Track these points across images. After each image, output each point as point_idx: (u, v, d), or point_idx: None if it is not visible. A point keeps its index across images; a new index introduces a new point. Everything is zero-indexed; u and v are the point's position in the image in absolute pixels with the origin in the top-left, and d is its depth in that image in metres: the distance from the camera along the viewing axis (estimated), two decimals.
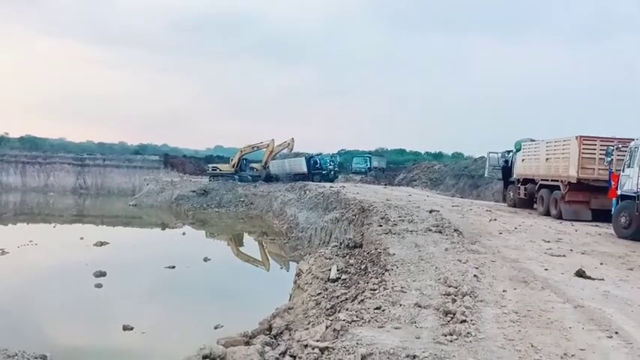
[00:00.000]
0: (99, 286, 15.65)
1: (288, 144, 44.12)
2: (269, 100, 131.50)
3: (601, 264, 9.52)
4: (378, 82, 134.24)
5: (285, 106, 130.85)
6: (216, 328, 11.96)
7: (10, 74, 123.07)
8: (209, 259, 20.19)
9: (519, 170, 22.40)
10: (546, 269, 8.70)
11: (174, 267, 18.36)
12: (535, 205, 20.78)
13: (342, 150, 73.65)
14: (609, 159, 15.58)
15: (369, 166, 57.75)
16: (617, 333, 5.43)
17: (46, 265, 18.67)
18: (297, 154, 44.38)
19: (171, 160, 58.88)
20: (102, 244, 22.48)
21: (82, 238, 23.60)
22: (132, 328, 11.76)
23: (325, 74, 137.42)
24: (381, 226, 12.88)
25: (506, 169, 24.35)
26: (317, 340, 5.55)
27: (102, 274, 16.59)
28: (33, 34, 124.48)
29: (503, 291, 6.97)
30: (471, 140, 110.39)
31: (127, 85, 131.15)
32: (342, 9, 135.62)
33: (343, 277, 10.08)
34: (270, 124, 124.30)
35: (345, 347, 5.00)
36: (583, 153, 17.31)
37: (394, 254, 9.19)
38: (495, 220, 16.22)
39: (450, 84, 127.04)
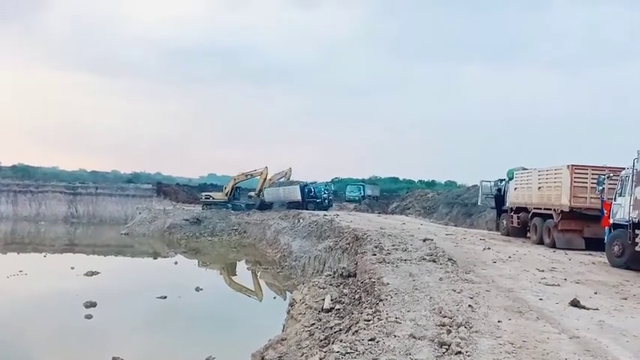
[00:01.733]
0: (89, 316, 15.41)
1: (286, 173, 44.21)
2: (263, 128, 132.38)
3: (595, 293, 9.50)
4: (371, 110, 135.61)
5: (279, 134, 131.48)
6: None
7: (2, 103, 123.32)
8: (201, 289, 19.97)
9: (512, 199, 22.49)
10: (541, 299, 8.66)
11: (165, 297, 18.14)
12: (528, 234, 20.81)
13: (336, 178, 73.88)
14: (601, 188, 15.70)
15: (362, 194, 57.84)
16: None
17: (35, 295, 18.39)
18: (292, 182, 44.51)
19: (164, 188, 58.67)
20: (93, 273, 22.22)
21: (72, 268, 23.34)
22: None
23: (319, 102, 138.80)
24: (374, 254, 12.83)
25: (499, 197, 24.44)
26: None
27: (92, 304, 16.36)
28: (26, 63, 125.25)
29: (498, 321, 6.92)
30: (464, 168, 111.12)
31: (120, 113, 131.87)
32: (336, 38, 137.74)
33: (337, 307, 9.98)
34: (263, 152, 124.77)
35: None
36: (575, 182, 17.44)
37: (388, 284, 9.13)
38: (489, 248, 16.21)
39: (442, 112, 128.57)
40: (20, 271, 22.01)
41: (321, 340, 8.19)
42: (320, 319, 9.54)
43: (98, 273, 22.42)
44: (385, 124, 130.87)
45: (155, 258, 32.80)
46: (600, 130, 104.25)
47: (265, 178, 43.33)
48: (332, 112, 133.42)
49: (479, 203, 28.58)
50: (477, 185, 31.09)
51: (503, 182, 24.35)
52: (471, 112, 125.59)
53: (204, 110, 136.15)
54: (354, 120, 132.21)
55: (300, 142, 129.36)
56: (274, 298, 20.26)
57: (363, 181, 66.59)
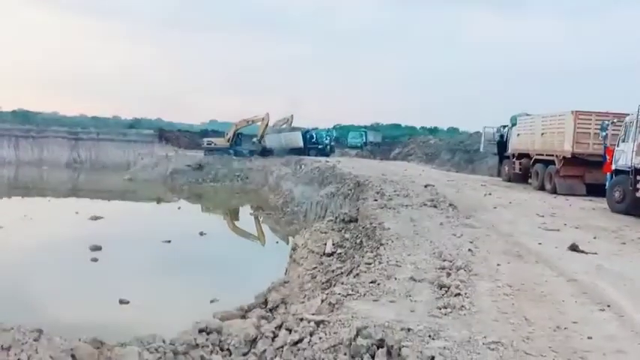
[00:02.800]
0: (94, 260, 15.67)
1: (287, 119, 43.89)
2: (264, 75, 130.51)
3: (594, 238, 9.59)
4: (374, 56, 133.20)
5: (281, 81, 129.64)
6: (212, 302, 12.02)
7: (1, 47, 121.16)
8: (205, 234, 20.20)
9: (514, 145, 22.39)
10: (540, 243, 8.75)
11: (169, 241, 18.37)
12: (530, 180, 20.84)
13: (338, 125, 73.43)
14: (604, 133, 15.59)
15: (364, 140, 57.64)
16: (609, 306, 5.49)
17: (41, 240, 18.62)
18: (293, 129, 44.25)
19: (166, 134, 58.40)
20: (97, 218, 22.43)
21: (77, 213, 23.55)
22: (128, 302, 11.83)
23: (321, 48, 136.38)
24: (376, 200, 12.90)
25: (502, 143, 24.34)
26: (312, 314, 5.59)
27: (97, 248, 16.60)
28: (21, 5, 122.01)
29: (498, 265, 7.02)
30: (467, 115, 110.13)
31: (121, 59, 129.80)
32: None
33: (339, 251, 10.12)
34: (265, 99, 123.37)
35: (340, 320, 5.04)
36: (578, 128, 17.30)
37: (389, 228, 9.22)
38: (490, 194, 16.27)
39: (445, 58, 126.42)
40: (25, 216, 22.22)
41: (323, 283, 8.35)
42: (322, 263, 9.70)
43: (102, 218, 22.62)
44: (388, 71, 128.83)
45: (158, 203, 33.00)
46: (606, 77, 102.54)
47: (267, 125, 43.05)
48: (334, 59, 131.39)
49: (481, 149, 28.51)
50: (479, 132, 30.92)
51: (506, 128, 24.18)
52: (475, 59, 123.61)
53: (205, 56, 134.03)
54: (356, 67, 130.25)
55: (301, 89, 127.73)
56: (277, 242, 20.52)
57: (365, 127, 66.17)
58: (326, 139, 45.11)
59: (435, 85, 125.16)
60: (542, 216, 12.15)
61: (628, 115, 14.36)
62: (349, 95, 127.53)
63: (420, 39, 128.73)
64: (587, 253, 8.16)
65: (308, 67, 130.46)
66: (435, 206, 12.08)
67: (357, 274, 6.72)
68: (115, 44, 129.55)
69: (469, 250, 7.76)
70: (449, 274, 6.33)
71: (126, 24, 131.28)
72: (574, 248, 8.27)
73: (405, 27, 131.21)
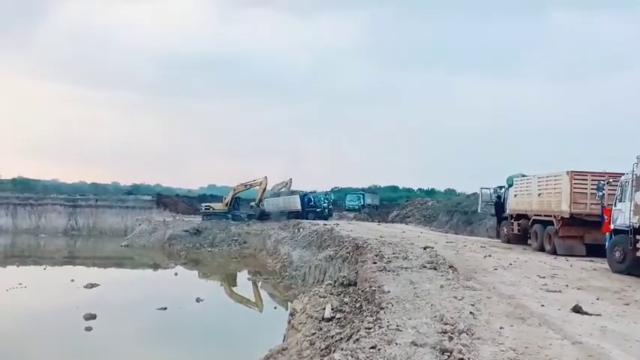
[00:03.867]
0: (89, 329, 15.33)
1: (286, 183, 44.19)
2: (262, 139, 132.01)
3: (597, 299, 9.45)
4: (369, 119, 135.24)
5: (279, 144, 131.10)
6: None
7: (1, 116, 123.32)
8: (202, 300, 19.90)
9: (512, 206, 22.45)
10: (543, 305, 8.61)
11: (165, 308, 18.06)
12: (529, 241, 20.75)
13: (336, 187, 73.74)
14: (601, 193, 15.67)
15: (362, 203, 57.70)
16: None
17: (35, 308, 18.30)
18: (292, 192, 44.47)
19: (164, 199, 58.56)
20: (93, 285, 22.14)
21: (72, 280, 23.25)
22: None
23: (317, 113, 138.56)
24: (375, 263, 12.78)
25: (499, 204, 24.41)
26: None
27: (92, 316, 16.28)
28: (23, 77, 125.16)
29: (500, 328, 6.88)
30: (463, 176, 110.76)
31: (120, 125, 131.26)
32: (331, 48, 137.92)
33: (338, 315, 9.92)
34: (262, 162, 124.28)
35: None
36: (575, 188, 17.42)
37: (389, 292, 9.08)
38: (490, 256, 16.16)
39: (440, 121, 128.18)
40: (20, 284, 21.91)
41: (322, 350, 8.14)
42: (321, 329, 9.48)
43: (98, 285, 22.32)
44: (383, 134, 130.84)
45: (155, 269, 32.69)
46: (599, 138, 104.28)
47: (265, 188, 43.27)
48: (330, 123, 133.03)
49: (479, 211, 28.54)
50: (476, 193, 31.09)
51: (503, 189, 24.32)
52: (468, 119, 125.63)
53: (203, 122, 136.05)
54: (352, 130, 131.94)
55: (300, 152, 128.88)
56: (275, 308, 20.17)
57: (362, 190, 66.47)
58: (324, 202, 45.19)
59: (431, 146, 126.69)
60: (544, 277, 12.02)
61: (623, 174, 14.51)
62: (347, 158, 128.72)
63: (414, 102, 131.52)
64: (590, 314, 8.01)
65: (306, 130, 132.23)
66: (435, 268, 11.96)
67: (357, 340, 6.56)
68: (113, 112, 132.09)
69: (471, 312, 7.62)
70: (451, 338, 6.18)
71: (123, 92, 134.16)
72: (577, 310, 8.14)
73: (398, 91, 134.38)
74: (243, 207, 45.52)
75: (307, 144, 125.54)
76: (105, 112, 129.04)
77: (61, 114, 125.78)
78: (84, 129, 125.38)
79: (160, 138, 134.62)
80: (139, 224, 45.69)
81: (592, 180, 17.11)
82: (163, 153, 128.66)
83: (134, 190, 68.07)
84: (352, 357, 5.71)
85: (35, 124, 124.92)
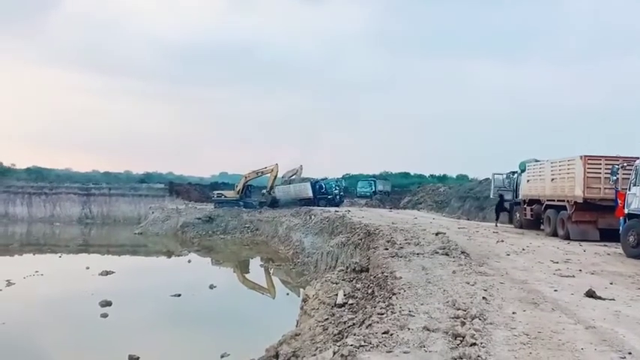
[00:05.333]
0: (104, 315, 15.57)
1: (297, 171, 44.26)
2: (273, 126, 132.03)
3: (611, 284, 9.40)
4: (380, 105, 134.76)
5: (290, 132, 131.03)
6: (222, 356, 11.85)
7: (14, 106, 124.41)
8: (215, 287, 20.08)
9: (525, 191, 22.31)
10: (556, 290, 8.58)
11: (179, 295, 18.26)
12: (542, 226, 20.64)
13: (347, 174, 73.69)
14: (615, 178, 15.50)
15: (373, 189, 57.68)
16: (630, 353, 5.32)
17: (51, 296, 18.59)
18: (303, 179, 44.52)
19: (177, 187, 58.98)
20: (107, 273, 22.43)
21: (87, 268, 23.58)
22: (138, 358, 11.64)
23: (328, 100, 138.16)
24: (387, 249, 12.79)
25: (501, 202, 24.83)
26: None
27: (107, 303, 16.52)
28: (33, 65, 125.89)
29: (513, 313, 6.87)
30: (475, 162, 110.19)
31: (132, 114, 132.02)
32: (342, 34, 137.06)
33: (350, 301, 9.97)
34: (274, 150, 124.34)
35: None
36: (588, 172, 17.24)
37: (401, 277, 9.10)
38: (502, 241, 16.10)
39: (452, 106, 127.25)
40: (36, 272, 22.26)
41: (335, 335, 8.19)
42: (333, 314, 9.54)
43: (113, 272, 22.62)
44: (395, 120, 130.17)
45: (169, 257, 33.03)
46: (613, 121, 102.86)
47: (276, 176, 43.45)
48: (341, 110, 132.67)
49: (491, 196, 28.39)
50: (489, 178, 30.93)
51: (516, 175, 24.18)
52: (480, 105, 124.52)
53: (215, 110, 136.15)
54: (363, 116, 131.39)
55: (311, 139, 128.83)
56: (287, 294, 20.31)
57: (374, 176, 66.35)
58: (335, 189, 45.25)
59: (443, 132, 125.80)
60: (557, 262, 11.96)
61: (638, 158, 14.34)
62: (358, 144, 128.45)
63: (426, 88, 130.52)
64: (604, 299, 7.97)
65: (317, 118, 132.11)
66: (447, 254, 11.95)
67: (370, 325, 6.59)
68: (125, 100, 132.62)
69: (483, 298, 7.62)
70: (463, 323, 6.19)
71: (136, 81, 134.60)
72: (591, 294, 8.09)
73: (410, 77, 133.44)
74: (254, 194, 45.75)
75: (318, 131, 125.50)
76: (116, 101, 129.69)
77: (72, 103, 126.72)
78: (96, 118, 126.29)
79: (171, 126, 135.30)
80: (152, 212, 46.13)
81: (606, 164, 16.91)
82: (175, 141, 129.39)
83: (146, 178, 68.47)
84: (365, 342, 5.74)
85: (46, 114, 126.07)
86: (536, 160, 22.15)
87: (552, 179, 19.57)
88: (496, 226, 23.24)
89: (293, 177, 45.13)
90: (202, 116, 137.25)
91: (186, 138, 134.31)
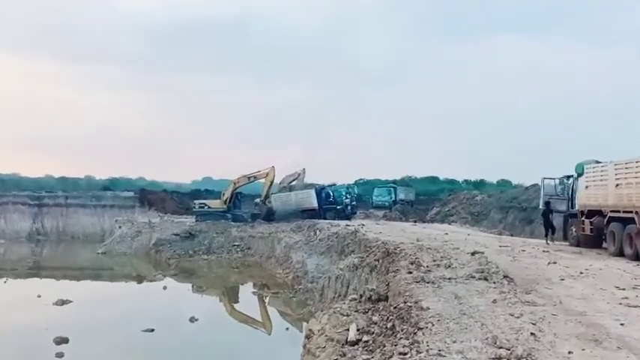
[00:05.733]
0: (60, 355, 15.58)
1: (299, 174, 44.25)
2: (268, 123, 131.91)
3: None
4: (399, 98, 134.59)
5: (290, 130, 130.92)
6: None
7: None
8: (196, 320, 20.09)
9: (582, 200, 22.23)
10: (622, 324, 8.54)
11: (152, 330, 18.27)
12: (604, 244, 20.55)
13: (361, 179, 73.88)
14: None
15: (393, 198, 57.78)
16: None
17: None
18: (306, 186, 44.60)
19: (149, 196, 59.22)
20: (64, 302, 22.48)
21: (39, 296, 23.62)
22: None
23: (334, 88, 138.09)
24: (410, 273, 12.79)
25: (547, 214, 24.73)
26: None
27: (63, 340, 16.54)
28: None
29: (569, 353, 6.85)
30: (520, 165, 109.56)
31: (95, 108, 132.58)
32: (348, 10, 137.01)
33: (365, 338, 9.97)
34: (271, 150, 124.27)
35: None
36: None
37: (428, 308, 9.09)
38: (555, 263, 16.05)
39: (488, 97, 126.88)
40: None
41: None
42: (344, 354, 9.53)
43: (70, 302, 22.66)
44: (417, 115, 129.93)
45: (139, 282, 33.11)
46: None
47: (272, 181, 43.48)
48: (351, 102, 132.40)
49: (540, 206, 28.32)
50: (537, 184, 30.87)
51: (571, 179, 24.11)
52: (524, 95, 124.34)
53: (197, 102, 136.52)
54: (379, 109, 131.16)
55: (316, 138, 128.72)
56: (287, 329, 20.29)
57: (394, 182, 66.46)
58: (346, 197, 45.25)
59: (479, 129, 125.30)
60: (624, 289, 11.90)
61: None
62: (373, 144, 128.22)
63: (454, 76, 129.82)
64: None
65: (323, 112, 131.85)
66: (486, 279, 11.93)
67: None
68: (88, 91, 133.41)
69: (532, 334, 7.60)
70: None
71: (102, 66, 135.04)
72: None
73: (435, 60, 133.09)
74: (245, 205, 45.83)
75: (325, 127, 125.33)
76: (77, 91, 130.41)
77: (23, 94, 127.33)
78: (51, 112, 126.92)
79: (144, 122, 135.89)
80: (119, 227, 46.23)
81: None
82: (148, 140, 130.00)
83: (112, 184, 68.83)
84: None
85: None
86: (597, 162, 22.07)
87: (617, 185, 19.49)
88: (547, 243, 23.15)
89: (294, 183, 45.15)
90: (182, 110, 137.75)
91: (162, 135, 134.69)
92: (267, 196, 44.02)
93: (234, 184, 44.42)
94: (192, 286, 30.79)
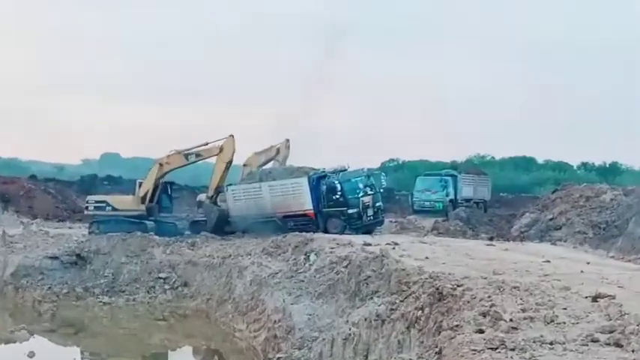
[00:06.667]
0: None
1: (278, 150, 44.15)
2: (216, 50, 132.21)
3: None
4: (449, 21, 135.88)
5: (262, 71, 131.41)
6: None
7: None
8: None
9: None
10: None
11: None
12: None
13: (392, 160, 73.93)
14: None
15: (451, 196, 57.77)
16: None
17: None
18: (293, 172, 44.22)
19: (4, 187, 59.25)
20: None
21: None
22: None
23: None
24: (482, 331, 12.87)
25: None
26: None
27: None
28: None
29: None
30: None
31: None
32: None
33: None
34: (228, 110, 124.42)
35: None
36: None
37: None
38: None
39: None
40: None
41: None
42: None
43: None
44: (487, 54, 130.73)
45: None
46: None
47: (229, 163, 43.35)
48: (372, 26, 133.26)
49: None
50: None
51: None
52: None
53: (84, 19, 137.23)
54: (415, 45, 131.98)
55: (303, 85, 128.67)
56: None
57: (453, 167, 66.51)
58: (365, 193, 44.86)
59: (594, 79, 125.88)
60: None
61: None
62: (410, 103, 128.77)
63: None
64: None
65: (320, 43, 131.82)
66: (619, 344, 12.00)
67: None
68: None
69: None
70: None
71: None
72: None
73: None
74: (180, 205, 45.83)
75: (326, 69, 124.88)
76: None
77: None
78: None
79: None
80: None
81: None
82: (16, 91, 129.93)
83: None
84: None
85: None
86: None
87: None
88: None
89: (269, 164, 45.12)
90: (58, 34, 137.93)
91: (35, 82, 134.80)
92: (218, 190, 43.92)
93: (161, 166, 44.24)
94: (82, 353, 30.89)
